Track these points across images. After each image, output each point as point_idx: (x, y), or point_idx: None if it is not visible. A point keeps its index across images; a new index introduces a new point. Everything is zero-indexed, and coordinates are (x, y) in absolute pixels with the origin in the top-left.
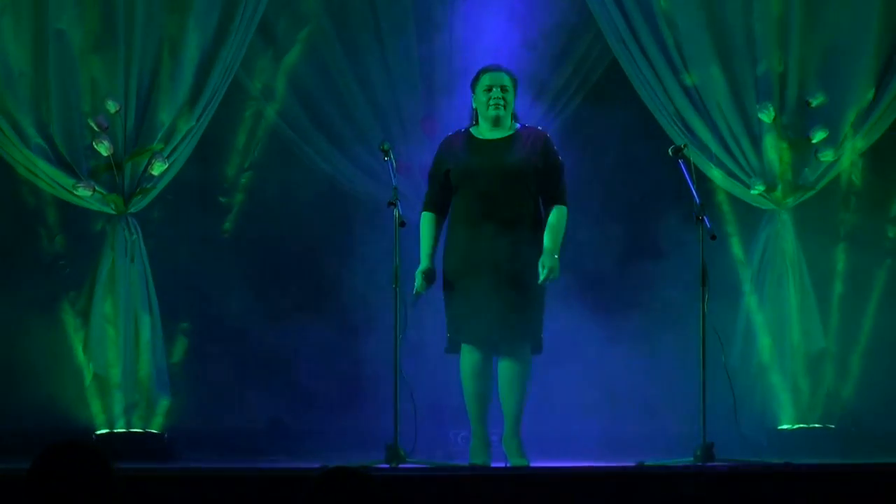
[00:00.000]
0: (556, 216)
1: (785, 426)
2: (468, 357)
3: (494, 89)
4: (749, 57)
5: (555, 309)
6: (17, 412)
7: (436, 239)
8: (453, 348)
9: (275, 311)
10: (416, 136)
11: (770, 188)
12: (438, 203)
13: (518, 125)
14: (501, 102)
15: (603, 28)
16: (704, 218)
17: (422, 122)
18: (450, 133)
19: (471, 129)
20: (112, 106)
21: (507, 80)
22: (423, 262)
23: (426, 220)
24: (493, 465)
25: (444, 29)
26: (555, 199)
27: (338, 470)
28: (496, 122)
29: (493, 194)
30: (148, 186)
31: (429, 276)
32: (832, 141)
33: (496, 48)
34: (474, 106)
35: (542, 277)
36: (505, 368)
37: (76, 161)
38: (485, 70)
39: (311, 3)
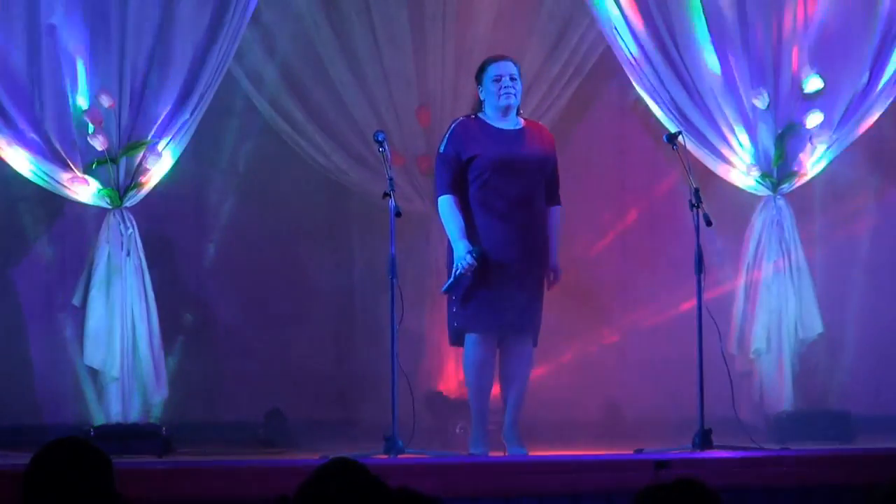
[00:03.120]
0: (559, 217)
1: (783, 411)
2: (475, 347)
3: (504, 78)
4: (743, 43)
5: (551, 297)
6: (15, 407)
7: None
8: (459, 340)
9: (272, 303)
10: (410, 127)
11: (765, 174)
12: (458, 187)
13: (522, 118)
14: (512, 91)
15: (596, 15)
16: (700, 204)
17: (416, 111)
18: (460, 119)
19: (481, 117)
20: (106, 100)
21: (514, 70)
22: (466, 243)
23: (452, 203)
24: (492, 454)
25: (437, 17)
26: (555, 197)
27: (337, 460)
28: (507, 111)
29: (516, 184)
30: (143, 180)
31: (482, 256)
32: (827, 126)
33: (489, 36)
34: (482, 97)
35: (552, 280)
36: (508, 359)
37: (71, 156)
38: (492, 60)
39: None
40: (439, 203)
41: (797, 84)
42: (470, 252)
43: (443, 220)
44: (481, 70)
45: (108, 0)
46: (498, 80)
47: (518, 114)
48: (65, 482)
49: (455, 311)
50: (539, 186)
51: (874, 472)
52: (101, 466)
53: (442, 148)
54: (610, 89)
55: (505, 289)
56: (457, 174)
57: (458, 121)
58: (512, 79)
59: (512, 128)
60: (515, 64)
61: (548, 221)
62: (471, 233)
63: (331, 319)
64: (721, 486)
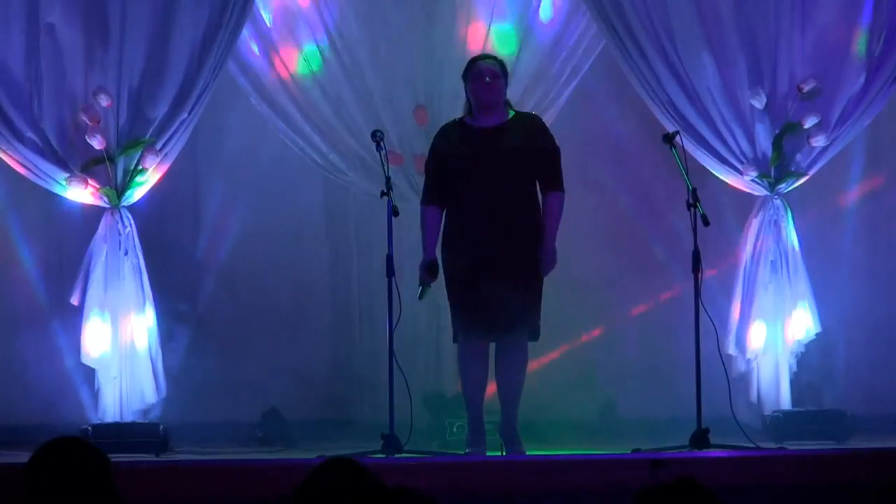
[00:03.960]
0: (553, 203)
1: (780, 411)
2: (468, 347)
3: (484, 77)
4: (740, 43)
5: (548, 295)
6: (12, 406)
7: (438, 231)
8: (457, 337)
9: (269, 302)
10: (408, 126)
11: (762, 174)
12: (437, 194)
13: (512, 112)
14: (493, 88)
15: (593, 15)
16: (697, 204)
17: (414, 111)
18: (445, 123)
19: (465, 119)
20: (104, 99)
21: (496, 68)
22: (428, 254)
23: (427, 213)
24: (489, 453)
25: (435, 17)
26: (551, 184)
27: (334, 460)
28: (489, 108)
29: (491, 182)
30: (141, 180)
31: (433, 269)
32: (824, 126)
33: (487, 36)
34: (468, 97)
35: (541, 268)
36: (502, 357)
37: (69, 155)
38: (474, 59)
39: None
40: (421, 211)
41: (794, 84)
42: (422, 264)
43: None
44: (466, 70)
45: None
46: (478, 78)
47: (510, 107)
48: (64, 481)
49: (452, 312)
50: (518, 181)
51: (870, 472)
52: (100, 466)
53: (428, 155)
54: (607, 89)
55: (490, 289)
56: (436, 182)
57: (441, 127)
58: (494, 76)
59: (493, 125)
60: (499, 62)
61: (545, 206)
62: (451, 234)
63: (328, 319)
64: (718, 486)
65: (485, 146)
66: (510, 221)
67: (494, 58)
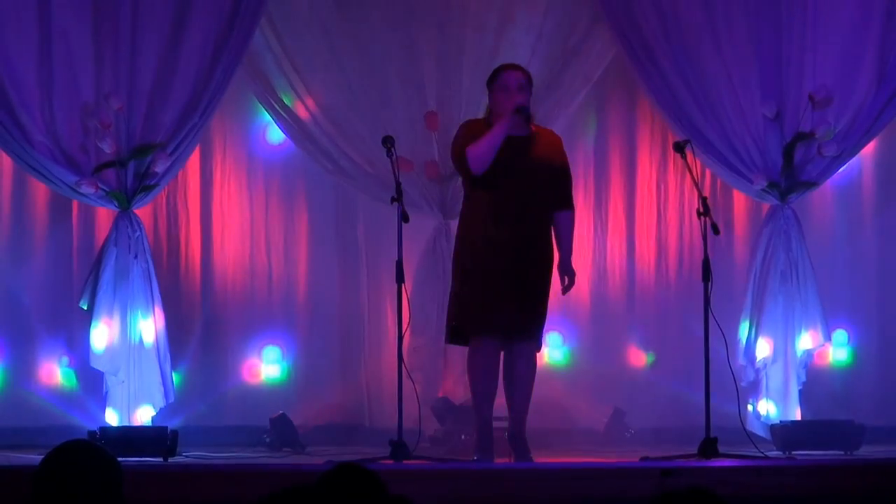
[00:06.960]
0: (570, 221)
1: (788, 420)
2: (480, 351)
3: (512, 88)
4: (752, 51)
5: (556, 304)
6: (20, 409)
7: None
8: (459, 339)
9: (278, 307)
10: (419, 133)
11: (773, 184)
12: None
13: (531, 125)
14: (521, 99)
15: (606, 23)
16: (707, 213)
17: (425, 116)
18: (469, 119)
19: (490, 123)
20: (115, 103)
21: (523, 80)
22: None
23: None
24: (498, 461)
25: (446, 24)
26: (566, 202)
27: (343, 466)
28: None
29: (524, 190)
30: (151, 183)
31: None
32: (836, 136)
33: (497, 43)
34: (490, 105)
35: (564, 287)
36: (513, 364)
37: (79, 158)
38: (502, 69)
39: None
40: (469, 157)
41: (806, 93)
42: (514, 117)
43: (482, 148)
44: (492, 78)
45: (118, 2)
46: (505, 89)
47: (529, 121)
48: (75, 485)
49: (456, 312)
50: (545, 192)
51: (880, 482)
52: (111, 470)
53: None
54: (618, 97)
55: (510, 292)
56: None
57: (468, 121)
58: (520, 89)
59: (519, 135)
60: (526, 74)
61: (560, 225)
62: (478, 236)
63: (337, 324)
64: (727, 495)
65: (515, 156)
66: (535, 229)
67: (521, 69)
